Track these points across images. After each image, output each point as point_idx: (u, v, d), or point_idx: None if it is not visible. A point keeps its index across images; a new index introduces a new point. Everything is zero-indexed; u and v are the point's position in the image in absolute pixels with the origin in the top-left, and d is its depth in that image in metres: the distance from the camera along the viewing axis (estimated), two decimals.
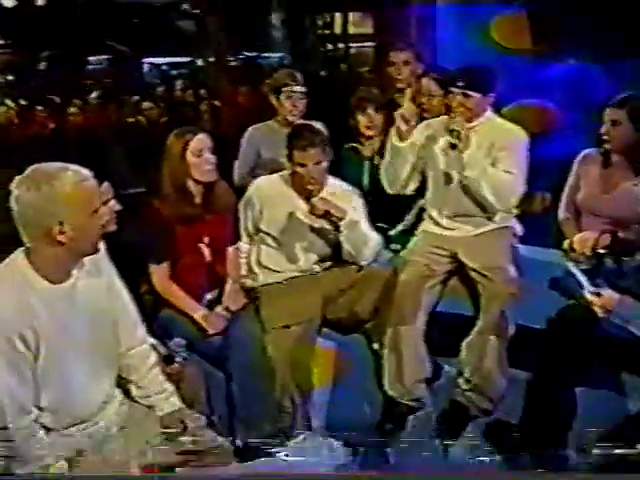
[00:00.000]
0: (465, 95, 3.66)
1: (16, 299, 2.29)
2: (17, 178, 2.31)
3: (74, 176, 2.31)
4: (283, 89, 4.36)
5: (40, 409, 2.33)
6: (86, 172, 2.36)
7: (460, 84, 3.66)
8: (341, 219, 3.56)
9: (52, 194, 2.26)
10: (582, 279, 2.95)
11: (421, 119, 4.04)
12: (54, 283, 2.36)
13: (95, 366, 2.46)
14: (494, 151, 3.68)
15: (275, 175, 3.86)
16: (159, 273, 3.57)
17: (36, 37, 12.19)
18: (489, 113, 3.79)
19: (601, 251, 3.23)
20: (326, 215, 3.58)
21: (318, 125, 3.87)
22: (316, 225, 3.69)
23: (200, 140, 3.55)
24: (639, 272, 3.23)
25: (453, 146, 3.63)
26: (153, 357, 2.74)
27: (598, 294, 2.86)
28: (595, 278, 2.99)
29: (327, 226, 3.65)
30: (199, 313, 3.53)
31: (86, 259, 2.45)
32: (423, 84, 4.24)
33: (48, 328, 2.31)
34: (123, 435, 2.52)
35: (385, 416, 3.65)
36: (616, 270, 3.30)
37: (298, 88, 4.37)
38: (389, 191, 3.93)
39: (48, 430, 2.35)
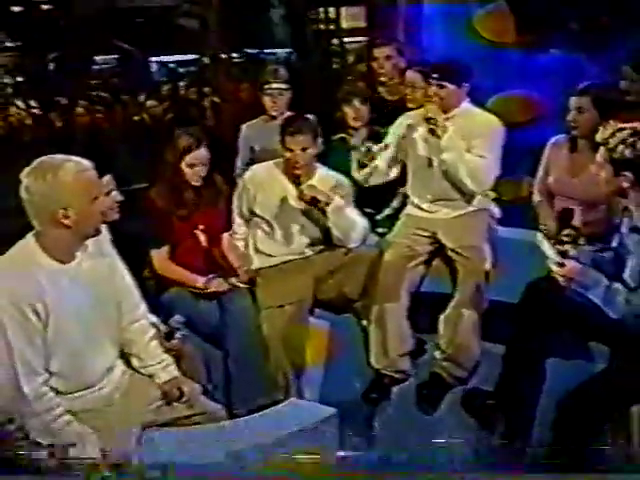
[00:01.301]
0: (440, 86, 3.89)
1: (27, 276, 2.54)
2: (25, 170, 2.57)
3: (76, 166, 2.57)
4: (264, 86, 4.61)
5: (50, 373, 2.58)
6: (87, 163, 2.62)
7: (435, 76, 3.89)
8: (327, 204, 3.81)
9: (57, 182, 2.51)
10: (548, 250, 3.10)
11: (406, 110, 4.29)
12: (61, 263, 2.61)
13: (99, 338, 2.71)
14: (470, 139, 3.90)
15: (269, 162, 4.11)
16: (159, 256, 3.81)
17: (44, 39, 12.42)
18: (466, 104, 4.00)
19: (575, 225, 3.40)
20: (313, 201, 3.83)
21: (310, 116, 4.11)
22: (306, 210, 3.93)
23: (196, 156, 3.79)
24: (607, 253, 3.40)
25: (432, 131, 3.86)
26: (152, 331, 2.99)
27: (561, 264, 3.06)
28: (563, 252, 3.17)
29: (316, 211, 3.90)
30: (200, 281, 3.78)
31: (89, 243, 2.70)
32: (407, 77, 4.47)
33: (56, 302, 2.55)
34: (125, 400, 2.77)
35: (371, 387, 3.89)
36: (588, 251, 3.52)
37: (277, 85, 4.59)
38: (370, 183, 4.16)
39: (57, 393, 2.60)
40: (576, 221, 3.26)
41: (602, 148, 3.00)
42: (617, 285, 2.98)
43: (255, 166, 4.16)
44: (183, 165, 3.79)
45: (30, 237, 2.62)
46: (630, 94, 4.02)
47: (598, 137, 3.05)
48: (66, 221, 2.54)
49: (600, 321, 3.09)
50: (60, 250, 2.61)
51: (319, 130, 4.00)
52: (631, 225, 3.06)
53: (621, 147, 2.91)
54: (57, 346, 2.58)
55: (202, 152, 3.81)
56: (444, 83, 3.89)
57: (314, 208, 3.88)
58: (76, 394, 2.66)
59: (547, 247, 3.12)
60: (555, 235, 3.17)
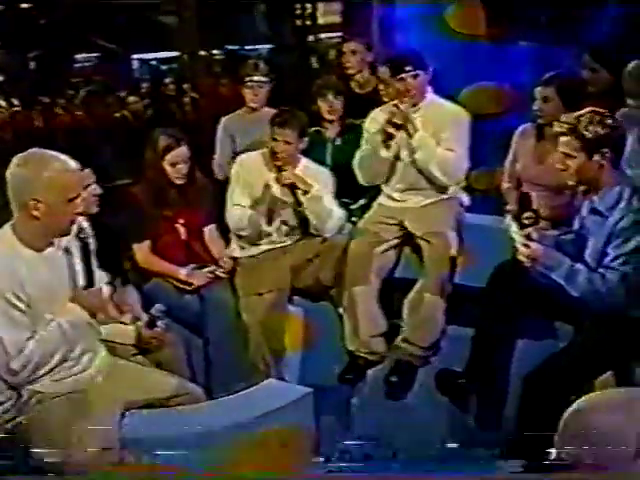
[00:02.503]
0: (414, 76, 3.93)
1: (6, 264, 2.63)
2: (18, 155, 2.66)
3: (61, 164, 2.65)
4: (245, 79, 4.73)
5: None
6: (74, 164, 2.70)
7: (407, 68, 3.92)
8: (306, 192, 3.94)
9: (36, 174, 2.61)
10: (514, 234, 3.23)
11: (380, 103, 4.40)
12: (35, 251, 2.69)
13: (77, 319, 2.77)
14: (439, 132, 3.99)
15: (256, 152, 4.23)
16: (141, 249, 3.93)
17: (24, 37, 12.44)
18: (431, 95, 4.08)
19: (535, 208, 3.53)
20: (292, 186, 3.96)
21: (300, 113, 4.21)
22: (286, 198, 4.06)
23: (177, 154, 3.88)
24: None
25: (397, 126, 3.93)
26: None
27: (526, 245, 3.20)
28: (527, 235, 3.31)
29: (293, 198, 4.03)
30: (182, 272, 3.89)
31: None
32: (380, 72, 4.59)
33: (35, 288, 2.64)
34: (108, 383, 2.87)
35: (347, 369, 4.01)
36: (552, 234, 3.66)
37: (258, 78, 4.72)
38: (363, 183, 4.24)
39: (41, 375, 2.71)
40: (535, 205, 3.41)
41: (567, 138, 3.11)
42: (578, 265, 3.12)
43: (243, 156, 4.27)
44: (165, 164, 3.88)
45: (7, 227, 2.71)
46: (590, 83, 4.15)
47: (562, 127, 3.16)
48: (35, 212, 2.62)
49: (563, 300, 3.23)
50: (33, 239, 2.69)
51: (306, 128, 4.13)
52: (591, 207, 3.19)
53: (591, 127, 3.03)
54: (39, 327, 2.67)
55: (183, 150, 3.90)
56: (418, 72, 3.94)
57: (292, 195, 4.00)
58: (58, 375, 2.75)
59: (514, 230, 3.25)
60: (516, 219, 3.30)
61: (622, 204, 3.06)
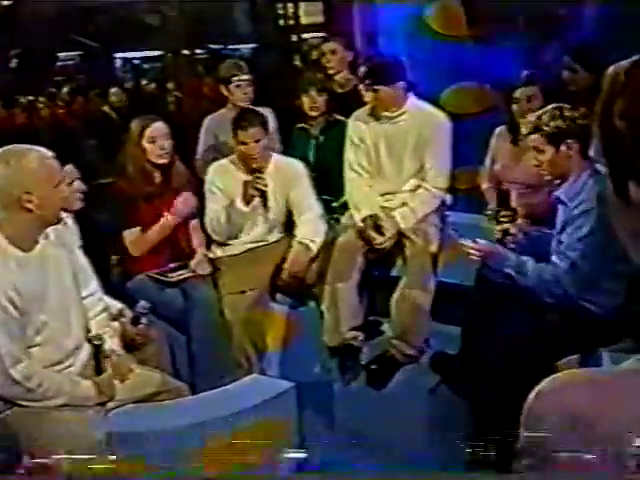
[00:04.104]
0: (374, 90, 3.99)
1: None
2: None
3: (39, 154, 2.71)
4: (232, 79, 4.77)
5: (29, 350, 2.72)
6: (49, 152, 2.75)
7: (367, 82, 3.99)
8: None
9: (20, 168, 2.65)
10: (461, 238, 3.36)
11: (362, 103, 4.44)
12: (24, 251, 2.73)
13: (65, 319, 2.83)
14: (420, 145, 4.03)
15: (224, 159, 4.27)
16: (132, 234, 3.95)
17: (6, 35, 12.39)
18: (413, 100, 4.10)
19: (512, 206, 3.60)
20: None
21: (259, 109, 4.28)
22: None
23: (155, 129, 3.92)
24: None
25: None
26: (100, 306, 3.14)
27: (475, 243, 3.28)
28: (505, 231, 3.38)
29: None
30: (171, 219, 3.94)
31: (51, 232, 2.83)
32: (360, 72, 4.62)
33: (25, 289, 2.67)
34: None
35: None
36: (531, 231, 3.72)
37: (245, 77, 4.76)
38: None
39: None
40: (513, 203, 3.47)
41: (534, 136, 3.19)
42: (526, 258, 3.20)
43: (213, 165, 4.29)
44: (144, 142, 3.90)
45: None
46: (570, 83, 4.22)
47: (527, 127, 3.25)
48: (29, 205, 2.66)
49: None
50: (23, 237, 2.73)
51: (268, 121, 4.17)
52: (556, 196, 3.25)
53: (553, 122, 3.13)
54: (29, 329, 2.71)
55: (159, 125, 3.93)
56: (377, 87, 3.97)
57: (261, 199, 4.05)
58: (51, 368, 2.78)
59: (457, 236, 3.36)
60: (494, 216, 3.38)
61: (583, 193, 3.12)
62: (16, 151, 2.69)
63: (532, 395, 0.98)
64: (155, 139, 3.92)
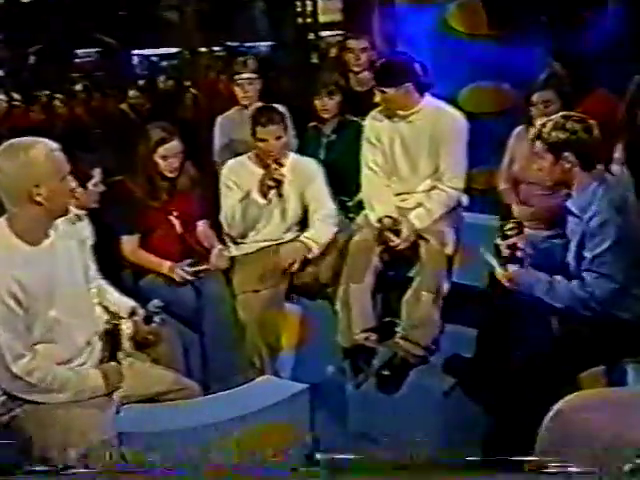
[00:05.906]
0: (382, 92, 3.97)
1: (2, 262, 2.64)
2: None
3: (45, 147, 2.67)
4: (234, 77, 4.74)
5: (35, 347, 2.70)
6: (55, 145, 2.72)
7: (375, 82, 3.98)
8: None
9: (29, 161, 2.61)
10: (492, 261, 3.31)
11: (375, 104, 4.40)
12: (32, 245, 2.70)
13: (77, 313, 2.81)
14: (435, 144, 3.98)
15: (242, 156, 4.24)
16: (130, 242, 3.94)
17: (25, 32, 12.46)
18: (428, 99, 4.04)
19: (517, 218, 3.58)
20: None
21: (278, 106, 4.24)
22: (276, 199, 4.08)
23: (169, 148, 3.90)
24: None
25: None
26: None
27: (505, 268, 3.26)
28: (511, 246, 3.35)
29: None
30: (165, 266, 3.89)
31: (60, 223, 2.79)
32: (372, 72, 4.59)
33: (32, 284, 2.64)
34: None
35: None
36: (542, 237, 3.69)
37: (247, 75, 4.73)
38: None
39: None
40: (515, 214, 3.45)
41: (537, 142, 3.18)
42: (556, 277, 3.17)
43: (229, 163, 4.27)
44: (156, 157, 3.89)
45: (2, 221, 2.70)
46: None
47: (533, 133, 3.25)
48: (39, 198, 2.63)
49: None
50: (32, 231, 2.70)
51: (287, 118, 4.15)
52: (566, 208, 3.23)
53: (554, 133, 3.11)
54: (37, 326, 2.68)
55: (175, 144, 3.91)
56: (384, 89, 3.95)
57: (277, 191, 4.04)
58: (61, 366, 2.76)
59: (490, 259, 3.33)
60: (502, 230, 3.36)
61: (594, 204, 3.09)
62: (23, 144, 2.66)
63: (551, 414, 0.95)
64: (167, 158, 3.90)
